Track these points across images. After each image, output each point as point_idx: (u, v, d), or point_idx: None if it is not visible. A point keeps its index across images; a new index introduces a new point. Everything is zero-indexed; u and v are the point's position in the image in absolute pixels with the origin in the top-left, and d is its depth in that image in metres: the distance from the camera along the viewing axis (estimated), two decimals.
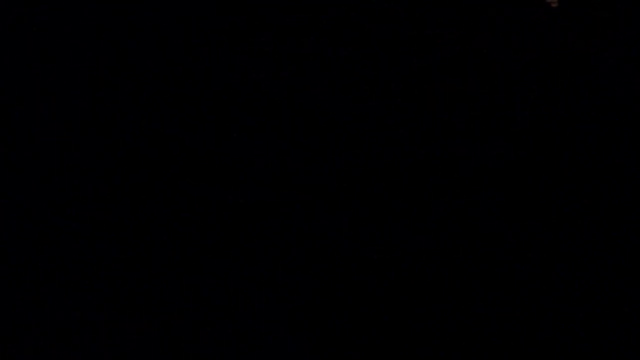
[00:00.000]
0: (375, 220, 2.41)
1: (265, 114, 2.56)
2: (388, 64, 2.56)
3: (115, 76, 2.66)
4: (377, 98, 2.54)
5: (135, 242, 2.43)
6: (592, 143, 2.44)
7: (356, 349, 2.19)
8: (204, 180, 2.51)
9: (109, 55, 2.67)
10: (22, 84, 2.68)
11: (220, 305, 2.28)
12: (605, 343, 2.16)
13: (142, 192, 2.54)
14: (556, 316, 2.22)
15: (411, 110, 2.53)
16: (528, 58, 2.55)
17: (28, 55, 2.70)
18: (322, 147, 2.50)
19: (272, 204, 2.43)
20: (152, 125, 2.60)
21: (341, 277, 2.32)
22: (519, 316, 2.24)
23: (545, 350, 2.18)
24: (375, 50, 2.57)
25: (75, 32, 2.69)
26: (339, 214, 2.41)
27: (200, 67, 2.64)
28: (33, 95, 2.66)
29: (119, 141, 2.60)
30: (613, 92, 2.46)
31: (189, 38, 2.67)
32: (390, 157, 2.49)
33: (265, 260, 2.35)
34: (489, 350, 2.18)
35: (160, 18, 2.69)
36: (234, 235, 2.41)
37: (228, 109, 2.59)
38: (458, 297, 2.27)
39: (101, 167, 2.58)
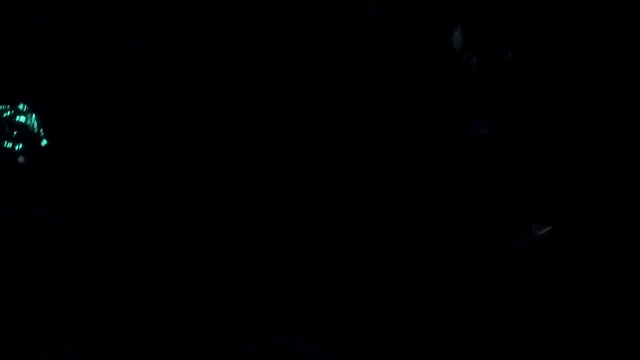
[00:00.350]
0: (375, 220, 2.41)
1: (265, 114, 2.56)
2: (388, 64, 2.56)
3: (115, 76, 2.66)
4: (377, 98, 2.54)
5: (135, 242, 2.43)
6: (592, 143, 2.44)
7: (356, 349, 2.19)
8: (204, 180, 2.51)
9: (109, 55, 2.67)
10: (22, 84, 2.68)
11: (220, 305, 2.28)
12: (605, 343, 2.16)
13: (142, 192, 2.54)
14: (556, 316, 2.22)
15: (411, 110, 2.53)
16: (528, 58, 2.55)
17: (28, 55, 2.70)
18: (322, 147, 2.50)
19: (272, 204, 2.44)
20: (152, 125, 2.60)
21: (341, 277, 2.32)
22: (519, 316, 2.24)
23: (545, 350, 2.18)
24: (375, 50, 2.57)
25: (75, 32, 2.69)
26: (339, 214, 2.41)
27: (200, 67, 2.64)
28: (33, 95, 2.66)
29: (119, 141, 2.60)
30: (613, 92, 2.46)
31: (189, 38, 2.67)
32: (390, 157, 2.49)
33: (265, 260, 2.35)
34: (489, 350, 2.18)
35: (160, 18, 2.69)
36: (234, 235, 2.41)
37: (228, 109, 2.59)
38: (458, 297, 2.28)
39: (101, 167, 2.58)
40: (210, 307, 2.27)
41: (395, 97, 2.55)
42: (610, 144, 2.44)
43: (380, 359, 2.18)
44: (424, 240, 2.38)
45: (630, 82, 2.48)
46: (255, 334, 2.20)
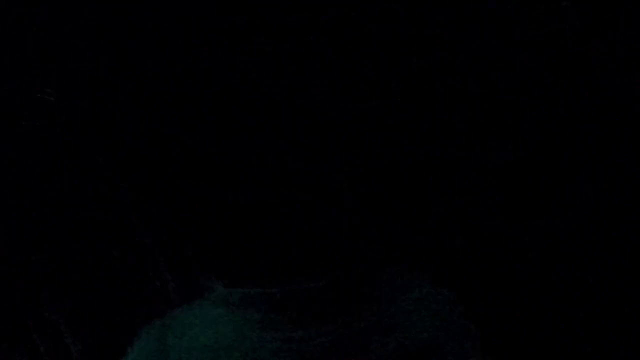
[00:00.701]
0: (375, 220, 2.41)
1: (265, 114, 2.56)
2: (388, 64, 2.56)
3: (115, 76, 2.66)
4: (377, 98, 2.54)
5: (134, 242, 2.44)
6: (592, 143, 2.44)
7: None
8: (204, 180, 2.51)
9: (109, 55, 2.67)
10: (21, 84, 2.68)
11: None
12: (606, 343, 2.16)
13: (141, 192, 2.54)
14: (556, 316, 2.22)
15: (411, 110, 2.53)
16: (528, 58, 2.55)
17: (28, 55, 2.70)
18: (322, 147, 2.50)
19: (272, 204, 2.43)
20: (152, 125, 2.60)
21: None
22: (519, 316, 2.24)
23: (545, 350, 2.18)
24: (375, 50, 2.57)
25: (75, 32, 2.69)
26: (339, 214, 2.41)
27: (200, 67, 2.64)
28: (32, 95, 2.66)
29: (118, 141, 2.61)
30: (613, 92, 2.46)
31: (189, 38, 2.67)
32: (390, 157, 2.49)
33: (265, 261, 2.35)
34: (488, 350, 2.18)
35: (160, 18, 2.69)
36: (234, 235, 2.41)
37: (228, 109, 2.59)
38: (458, 297, 2.27)
39: (101, 167, 2.58)
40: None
41: (395, 97, 2.55)
42: (611, 144, 2.44)
43: None
44: (424, 240, 2.38)
45: (630, 82, 2.48)
46: None
